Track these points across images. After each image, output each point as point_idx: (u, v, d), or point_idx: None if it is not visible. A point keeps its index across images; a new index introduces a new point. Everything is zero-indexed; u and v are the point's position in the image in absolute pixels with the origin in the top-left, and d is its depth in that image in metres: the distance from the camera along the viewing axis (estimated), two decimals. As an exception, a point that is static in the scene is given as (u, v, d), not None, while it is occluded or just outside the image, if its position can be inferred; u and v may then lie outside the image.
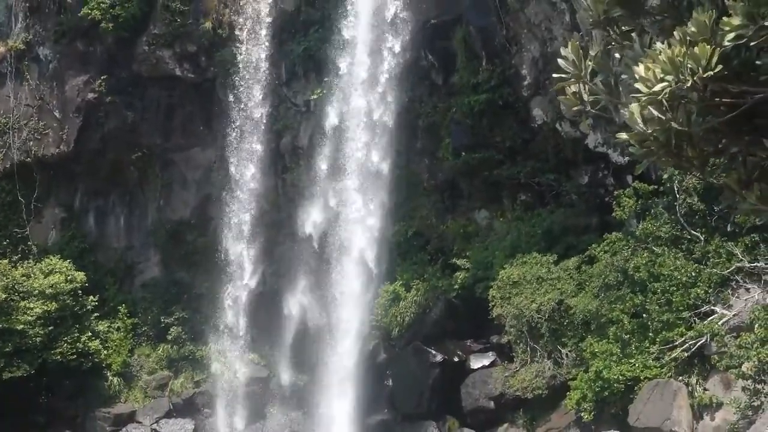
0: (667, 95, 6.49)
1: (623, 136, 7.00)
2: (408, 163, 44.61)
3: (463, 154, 41.80)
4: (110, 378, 47.08)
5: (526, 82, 40.08)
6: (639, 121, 6.78)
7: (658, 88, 6.45)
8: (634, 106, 6.76)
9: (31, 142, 48.78)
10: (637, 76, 6.60)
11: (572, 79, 7.41)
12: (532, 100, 40.16)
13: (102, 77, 47.84)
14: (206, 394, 46.09)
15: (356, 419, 40.59)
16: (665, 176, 33.35)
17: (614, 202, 35.94)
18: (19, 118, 49.03)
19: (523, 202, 41.51)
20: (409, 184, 44.71)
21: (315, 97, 45.09)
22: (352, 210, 42.97)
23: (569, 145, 39.59)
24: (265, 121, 46.68)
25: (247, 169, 46.82)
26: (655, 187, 34.68)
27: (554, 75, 7.61)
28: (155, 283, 50.14)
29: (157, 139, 49.52)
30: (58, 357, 44.95)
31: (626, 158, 36.44)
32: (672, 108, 6.68)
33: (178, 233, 49.31)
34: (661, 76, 6.45)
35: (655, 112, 6.69)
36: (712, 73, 6.39)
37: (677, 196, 33.75)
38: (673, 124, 6.68)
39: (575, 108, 7.48)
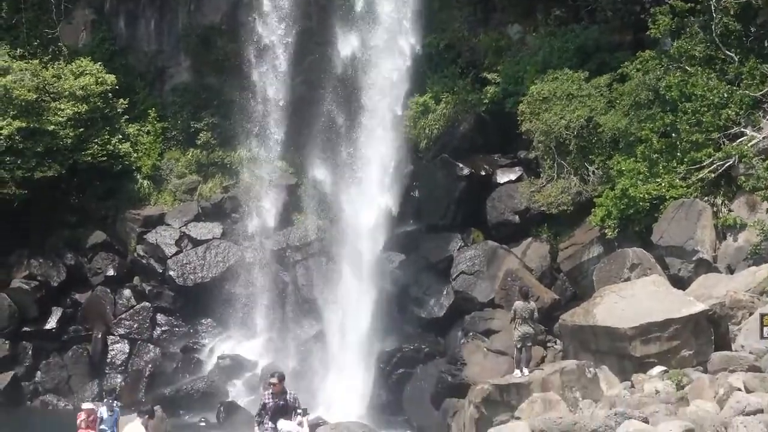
0: None
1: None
2: (442, -27, 43.93)
3: (499, -35, 41.10)
4: (140, 180, 47.61)
5: None
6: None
7: None
8: None
9: (60, -59, 48.20)
10: None
11: None
12: None
13: None
14: (234, 200, 46.53)
15: (385, 227, 41.07)
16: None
17: (649, 20, 35.37)
18: None
19: (556, 17, 40.94)
20: (442, -5, 44.17)
21: None
22: (383, 17, 42.33)
23: (607, -41, 38.79)
24: None
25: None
26: (692, 5, 34.07)
27: None
28: (185, 87, 50.08)
29: (187, -58, 48.88)
30: (89, 158, 45.47)
31: (664, -26, 35.76)
32: None
33: (208, 38, 48.90)
34: None
35: None
36: None
37: (714, 15, 33.17)
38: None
39: None
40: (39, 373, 43.55)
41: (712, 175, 31.28)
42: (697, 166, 31.56)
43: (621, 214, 32.96)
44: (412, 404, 35.82)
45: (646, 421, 18.63)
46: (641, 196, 32.12)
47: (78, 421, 24.85)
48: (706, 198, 31.49)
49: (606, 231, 33.56)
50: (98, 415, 25.21)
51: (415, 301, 38.89)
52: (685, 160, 32.01)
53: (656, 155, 32.93)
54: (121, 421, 26.84)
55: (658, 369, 24.96)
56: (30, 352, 43.63)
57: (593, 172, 36.01)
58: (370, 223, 40.98)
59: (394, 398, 36.70)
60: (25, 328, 43.96)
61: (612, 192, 33.57)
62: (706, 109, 32.01)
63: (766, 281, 27.08)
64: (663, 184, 32.03)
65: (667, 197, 31.78)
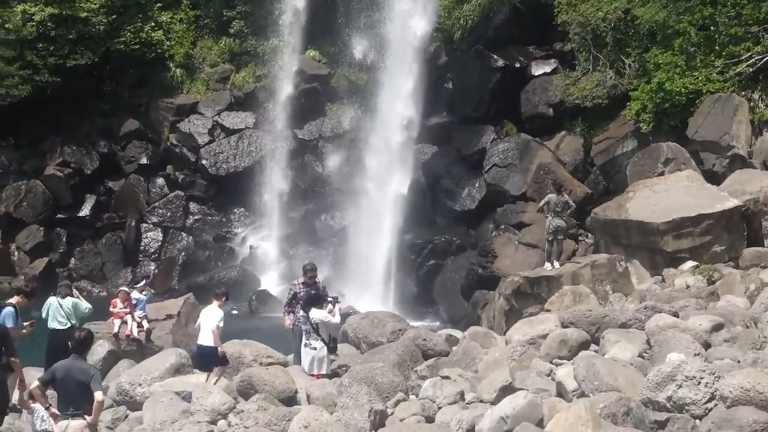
0: None
1: None
2: None
3: None
4: (173, 69, 47.44)
5: None
6: None
7: None
8: None
9: None
10: None
11: None
12: None
13: None
14: (267, 89, 46.32)
15: (418, 122, 40.90)
16: None
17: None
18: None
19: None
20: None
21: None
22: None
23: None
24: None
25: None
26: None
27: None
28: (218, -26, 49.70)
29: None
30: (122, 46, 45.43)
31: None
32: None
33: (241, -77, 48.41)
34: None
35: None
36: None
37: None
38: None
39: None
40: (73, 259, 44.21)
41: (750, 70, 30.84)
42: (735, 60, 31.11)
43: (656, 107, 32.62)
44: (443, 296, 36.03)
45: (675, 315, 18.69)
46: (677, 89, 31.76)
47: (113, 309, 25.00)
48: (743, 93, 31.09)
49: (641, 125, 33.25)
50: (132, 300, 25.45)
51: (446, 193, 38.88)
52: (723, 53, 31.57)
53: (694, 48, 32.48)
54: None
55: (689, 264, 25.02)
56: (64, 239, 44.21)
57: (629, 65, 35.55)
58: (402, 113, 40.80)
59: (425, 290, 36.90)
60: (59, 215, 44.52)
61: (648, 85, 33.17)
62: (746, 2, 31.44)
63: (802, 177, 26.91)
64: (700, 78, 31.64)
65: (704, 91, 31.40)
